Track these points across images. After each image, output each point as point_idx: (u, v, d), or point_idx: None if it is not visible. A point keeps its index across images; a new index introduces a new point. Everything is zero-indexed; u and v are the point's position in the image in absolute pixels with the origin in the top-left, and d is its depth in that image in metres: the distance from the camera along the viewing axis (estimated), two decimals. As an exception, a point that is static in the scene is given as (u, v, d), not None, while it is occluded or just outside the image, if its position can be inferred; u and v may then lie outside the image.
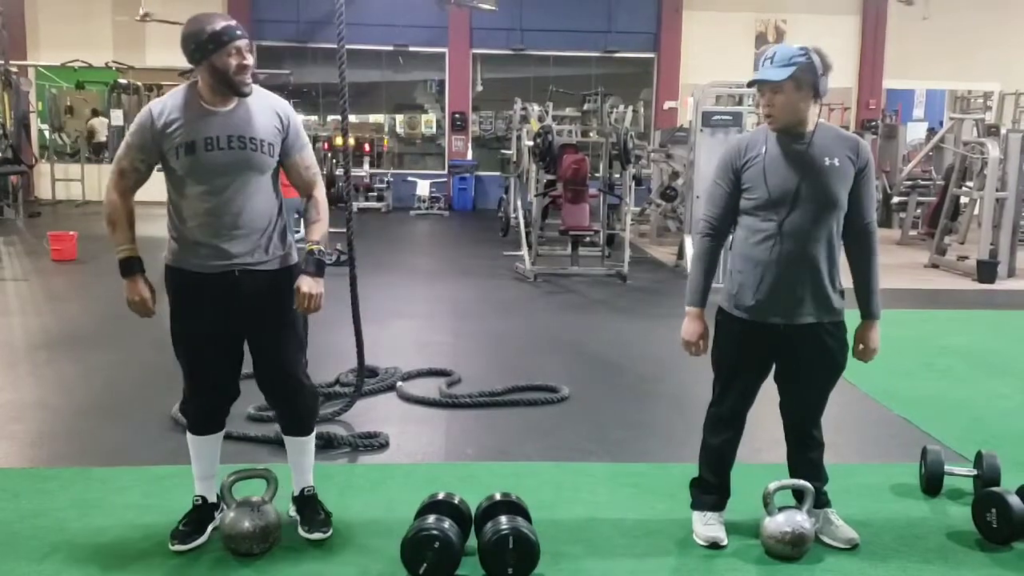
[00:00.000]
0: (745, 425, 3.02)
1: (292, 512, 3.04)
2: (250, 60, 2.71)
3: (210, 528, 2.93)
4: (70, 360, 5.36)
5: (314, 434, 3.07)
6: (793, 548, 2.86)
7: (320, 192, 2.90)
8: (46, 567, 2.75)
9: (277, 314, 2.83)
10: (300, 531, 2.96)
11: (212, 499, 2.95)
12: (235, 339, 2.86)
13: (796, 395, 2.97)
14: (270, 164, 2.79)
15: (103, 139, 16.31)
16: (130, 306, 2.82)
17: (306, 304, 2.78)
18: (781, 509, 2.90)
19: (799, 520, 2.87)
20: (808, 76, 2.73)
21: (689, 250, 9.19)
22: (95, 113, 16.16)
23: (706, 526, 3.00)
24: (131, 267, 2.78)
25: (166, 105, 2.73)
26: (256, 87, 2.83)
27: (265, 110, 2.78)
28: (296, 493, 3.04)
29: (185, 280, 2.78)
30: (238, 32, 2.69)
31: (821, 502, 3.03)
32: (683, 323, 2.97)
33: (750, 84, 2.80)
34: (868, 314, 2.92)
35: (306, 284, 2.77)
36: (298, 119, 2.89)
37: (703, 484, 3.08)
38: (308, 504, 3.01)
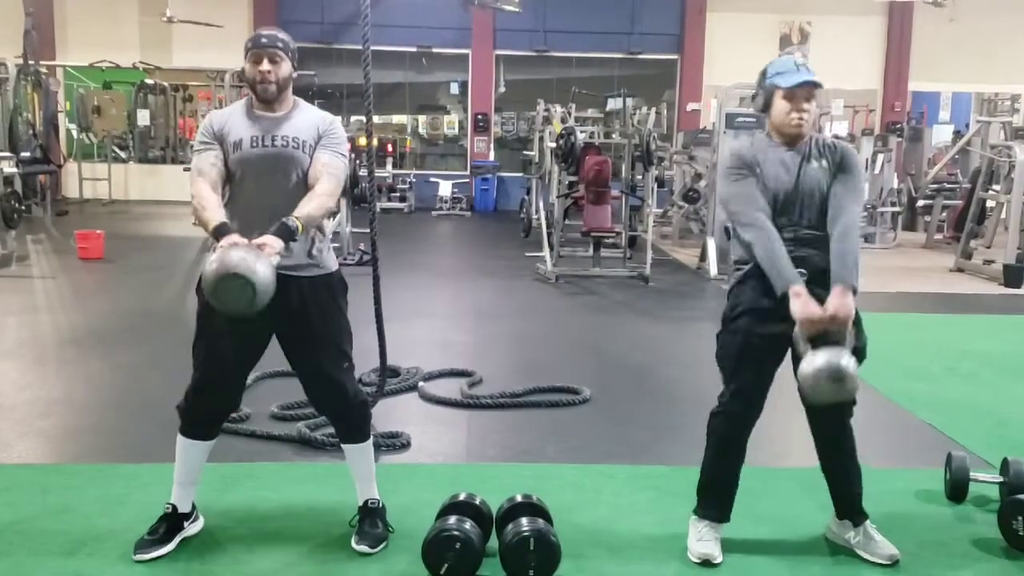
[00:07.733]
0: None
1: (355, 522, 2.98)
2: (269, 68, 2.77)
3: (179, 538, 2.87)
4: (97, 357, 5.42)
5: (371, 441, 3.00)
6: (834, 383, 2.59)
7: (323, 187, 2.76)
8: (73, 562, 2.78)
9: (315, 322, 2.82)
10: (352, 541, 2.91)
11: (184, 509, 2.91)
12: (256, 347, 2.86)
13: None
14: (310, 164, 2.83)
15: None
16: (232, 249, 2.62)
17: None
18: (819, 349, 2.62)
19: (841, 353, 2.60)
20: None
21: (712, 252, 9.15)
22: None
23: (699, 542, 2.89)
24: (222, 230, 2.65)
25: (224, 113, 2.92)
26: (304, 103, 2.93)
27: (310, 118, 2.88)
28: (359, 503, 2.99)
29: None
30: (263, 40, 2.80)
31: (860, 516, 2.96)
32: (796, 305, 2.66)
33: (799, 86, 2.76)
34: (837, 278, 2.68)
35: (265, 237, 2.64)
36: (342, 131, 2.92)
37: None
38: (367, 516, 2.95)
